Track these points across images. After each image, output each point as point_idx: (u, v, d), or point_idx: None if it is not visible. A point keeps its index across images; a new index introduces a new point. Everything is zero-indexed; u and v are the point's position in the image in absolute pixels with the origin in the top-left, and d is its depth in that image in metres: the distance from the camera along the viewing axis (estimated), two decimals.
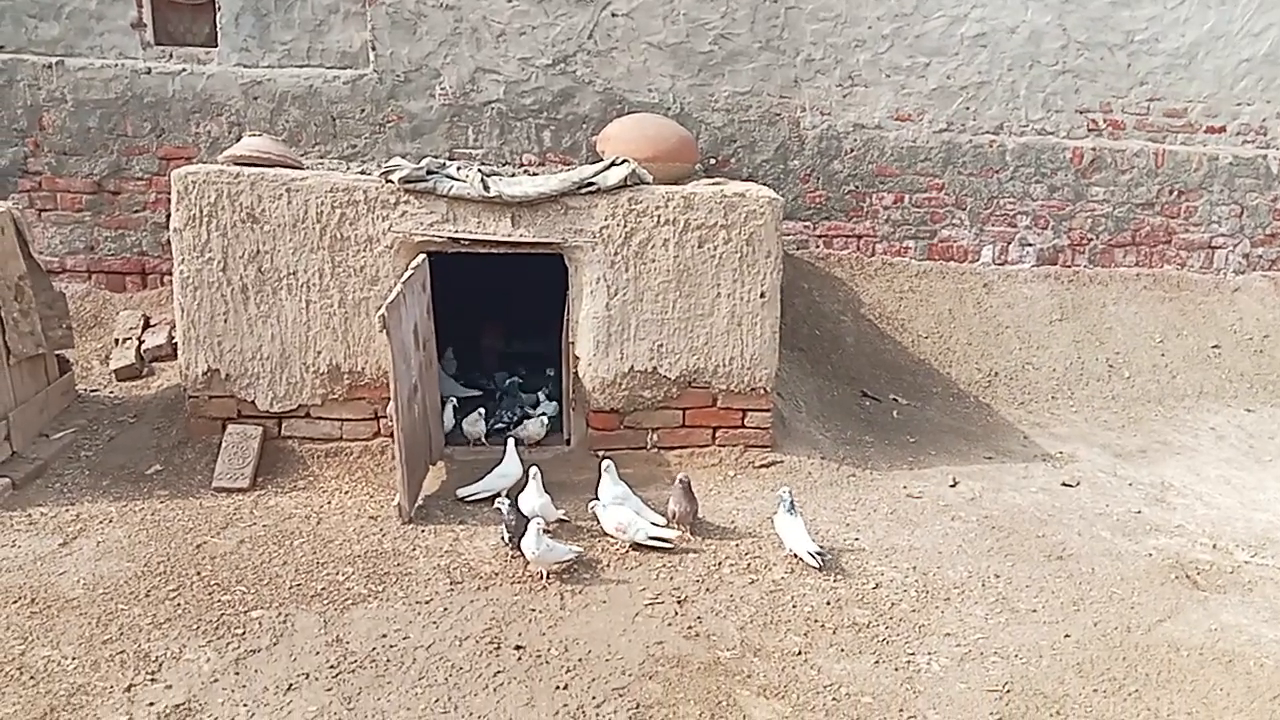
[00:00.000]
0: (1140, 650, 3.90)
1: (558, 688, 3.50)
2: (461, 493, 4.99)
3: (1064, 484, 5.57)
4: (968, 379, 7.07)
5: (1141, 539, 4.90)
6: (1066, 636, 3.97)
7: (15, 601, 3.93)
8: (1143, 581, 4.44)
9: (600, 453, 5.34)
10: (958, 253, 7.74)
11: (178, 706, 3.32)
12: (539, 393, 6.15)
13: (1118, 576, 4.48)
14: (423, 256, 5.23)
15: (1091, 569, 4.54)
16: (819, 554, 4.41)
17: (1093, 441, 6.34)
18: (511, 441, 5.17)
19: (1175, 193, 7.86)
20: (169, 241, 5.85)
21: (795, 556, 4.47)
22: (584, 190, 5.27)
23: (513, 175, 5.67)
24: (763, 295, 5.46)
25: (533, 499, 4.60)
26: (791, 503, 4.52)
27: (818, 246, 7.60)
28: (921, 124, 7.57)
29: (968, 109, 7.60)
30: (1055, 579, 4.44)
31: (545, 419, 5.66)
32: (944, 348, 7.21)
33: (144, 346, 6.34)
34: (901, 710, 3.46)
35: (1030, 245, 7.80)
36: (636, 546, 4.54)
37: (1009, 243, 7.78)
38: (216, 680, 3.48)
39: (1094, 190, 7.78)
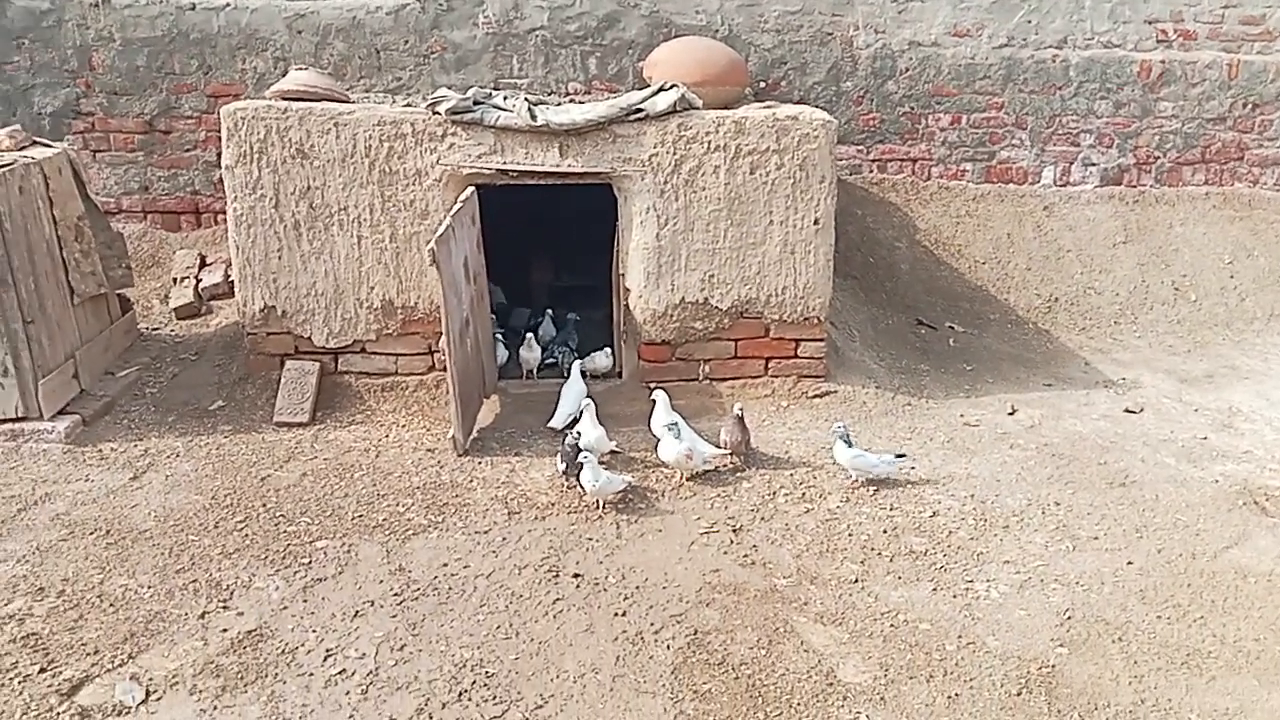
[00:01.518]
0: (1206, 577, 3.85)
1: (616, 614, 3.56)
2: (552, 424, 5.03)
3: (1127, 410, 5.46)
4: (1027, 305, 6.93)
5: (1208, 465, 4.80)
6: (1129, 563, 3.94)
7: (92, 533, 4.08)
8: (1209, 508, 4.37)
9: (652, 385, 5.35)
10: (1017, 174, 7.51)
11: (250, 632, 3.44)
12: (560, 341, 5.97)
13: (1183, 503, 4.41)
14: (471, 189, 5.20)
15: (1155, 496, 4.48)
16: (899, 456, 4.50)
17: (1157, 367, 6.20)
18: (577, 366, 5.27)
19: (1249, 106, 7.51)
20: (221, 180, 5.89)
21: (857, 483, 4.49)
22: (632, 117, 5.18)
23: (559, 104, 5.58)
24: (816, 222, 5.37)
25: (588, 431, 4.63)
26: (846, 436, 4.52)
27: (871, 171, 7.42)
28: (980, 39, 7.29)
29: (1029, 22, 7.29)
30: (1118, 506, 4.38)
31: (609, 351, 5.60)
32: (1002, 273, 7.06)
33: (201, 285, 6.45)
34: (960, 636, 3.47)
35: (1094, 165, 7.54)
36: (692, 476, 4.56)
37: (1071, 163, 7.53)
38: (286, 608, 3.59)
39: (1162, 105, 7.46)
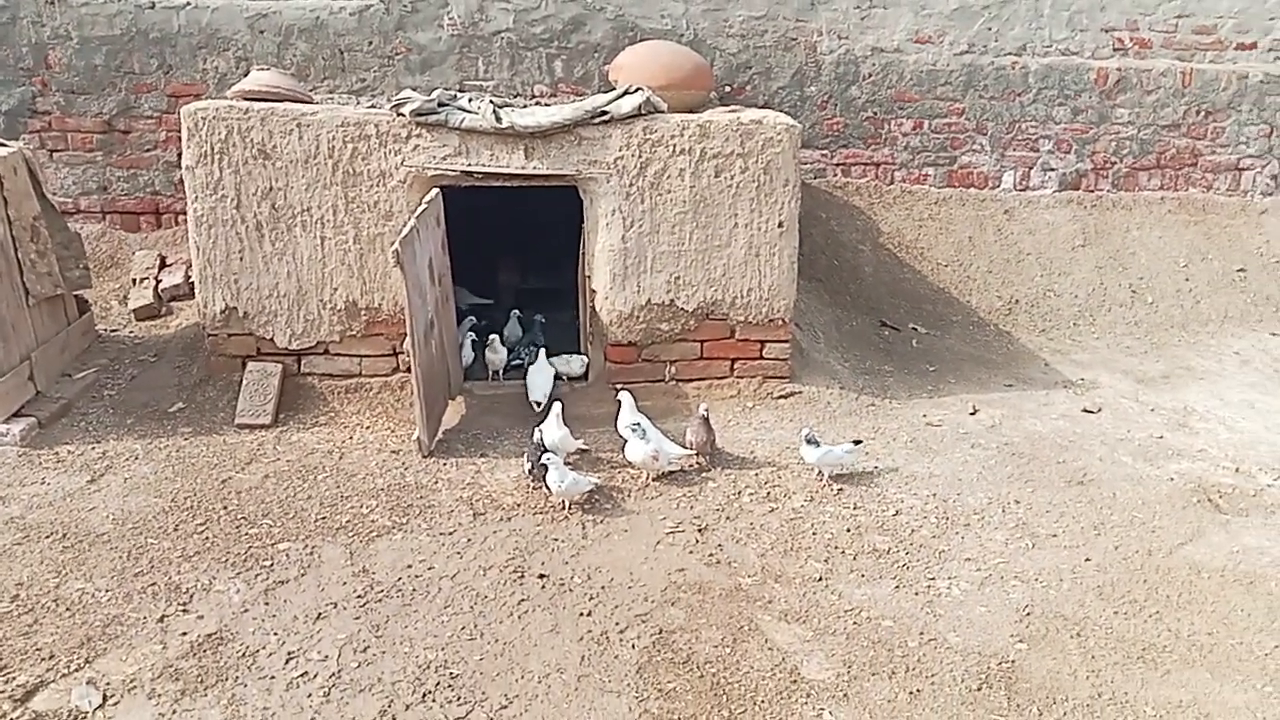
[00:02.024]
0: (1161, 573, 3.92)
1: (581, 614, 3.56)
2: (533, 398, 5.19)
3: (1085, 410, 5.55)
4: (988, 307, 7.02)
5: (1163, 464, 4.88)
6: (1087, 560, 4.00)
7: (48, 537, 4.01)
8: (1164, 506, 4.45)
9: (618, 386, 5.36)
10: (978, 179, 7.61)
11: (210, 636, 3.40)
12: (527, 342, 5.98)
13: (1139, 501, 4.48)
14: (436, 191, 5.18)
15: (1113, 494, 4.55)
16: (855, 443, 4.59)
17: (1115, 368, 6.30)
18: (543, 353, 5.40)
19: (1202, 113, 7.67)
20: (181, 180, 5.82)
21: (825, 480, 4.56)
22: (597, 119, 5.19)
23: (524, 107, 5.59)
24: (780, 225, 5.41)
25: (553, 431, 4.63)
26: (814, 439, 4.57)
27: (835, 175, 7.48)
28: (942, 46, 7.39)
29: (990, 29, 7.40)
30: (1076, 504, 4.45)
31: (585, 359, 5.61)
32: (964, 276, 7.14)
33: (161, 286, 6.36)
34: (922, 633, 3.50)
35: (1053, 170, 7.66)
36: (658, 477, 4.57)
37: (1030, 168, 7.64)
38: (247, 610, 3.55)
39: (1118, 112, 7.60)
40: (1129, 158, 7.68)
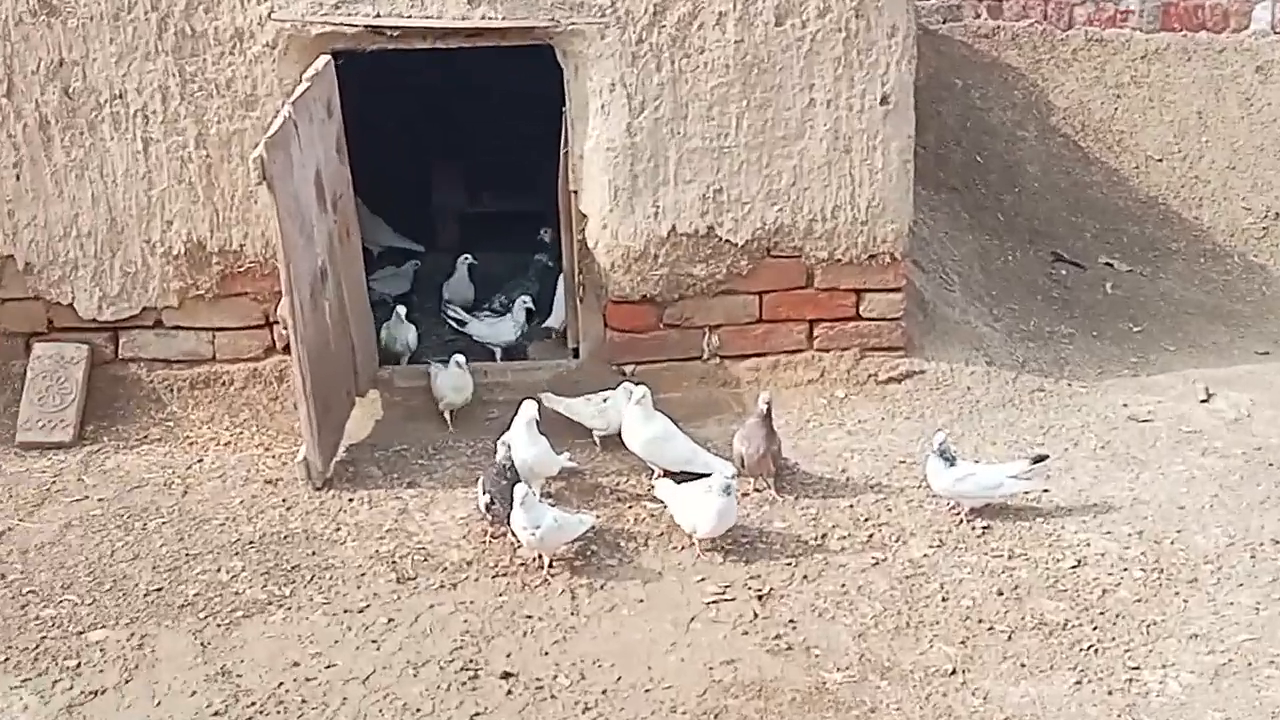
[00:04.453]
0: None
1: None
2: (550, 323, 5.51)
3: None
4: (1229, 226, 6.97)
5: None
6: None
7: None
8: None
9: (626, 367, 5.35)
10: (1213, 16, 7.52)
11: None
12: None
13: None
14: (326, 59, 5.17)
15: None
16: (1036, 461, 4.57)
17: None
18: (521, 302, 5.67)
19: None
20: None
21: (962, 515, 4.55)
22: None
23: None
24: (885, 101, 5.36)
25: (525, 445, 4.63)
26: (947, 451, 4.54)
27: (978, 17, 7.44)
28: None
29: None
30: None
31: (519, 323, 5.78)
32: (1189, 176, 7.09)
33: None
34: None
35: None
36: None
37: None
38: None
39: None
40: None
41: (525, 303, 5.85)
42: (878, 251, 5.52)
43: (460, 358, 5.28)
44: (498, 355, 5.90)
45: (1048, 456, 4.70)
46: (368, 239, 6.01)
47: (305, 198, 4.79)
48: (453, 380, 5.27)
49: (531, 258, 6.45)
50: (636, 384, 4.97)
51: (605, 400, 4.92)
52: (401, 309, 5.75)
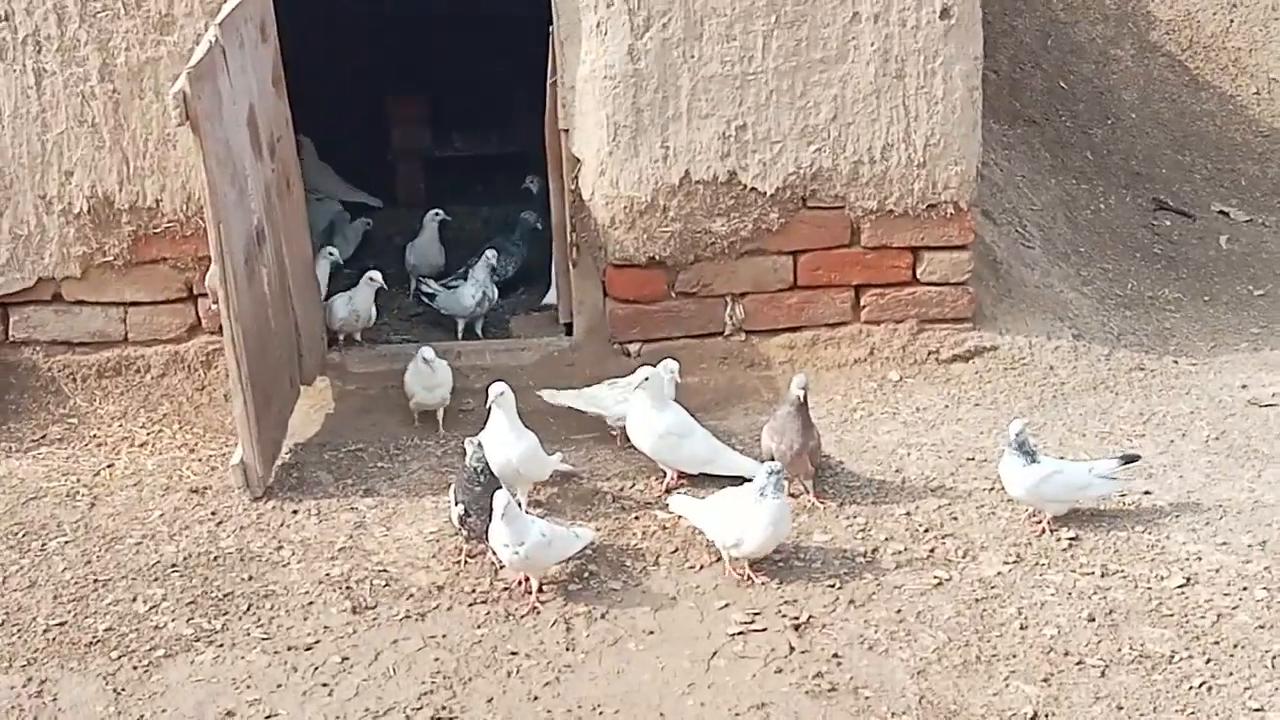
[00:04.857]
0: None
1: None
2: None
3: None
4: None
5: None
6: None
7: None
8: None
9: (631, 346, 5.27)
10: None
11: None
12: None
13: None
14: None
15: None
16: (1127, 461, 4.44)
17: None
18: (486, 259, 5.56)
19: None
20: None
21: (1042, 522, 4.41)
22: None
23: None
24: (945, 14, 5.19)
25: (508, 444, 4.46)
26: (1026, 444, 4.43)
27: None
28: None
29: None
30: None
31: (481, 285, 5.71)
32: None
33: None
34: None
35: None
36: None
37: None
38: None
39: None
40: None
41: (490, 259, 5.76)
42: (938, 200, 5.41)
43: (429, 351, 5.17)
44: (459, 329, 5.82)
45: (1139, 457, 4.56)
46: (320, 190, 6.01)
47: (237, 141, 4.69)
48: (422, 379, 5.17)
49: (517, 215, 6.37)
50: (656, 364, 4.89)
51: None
52: (327, 259, 5.80)
